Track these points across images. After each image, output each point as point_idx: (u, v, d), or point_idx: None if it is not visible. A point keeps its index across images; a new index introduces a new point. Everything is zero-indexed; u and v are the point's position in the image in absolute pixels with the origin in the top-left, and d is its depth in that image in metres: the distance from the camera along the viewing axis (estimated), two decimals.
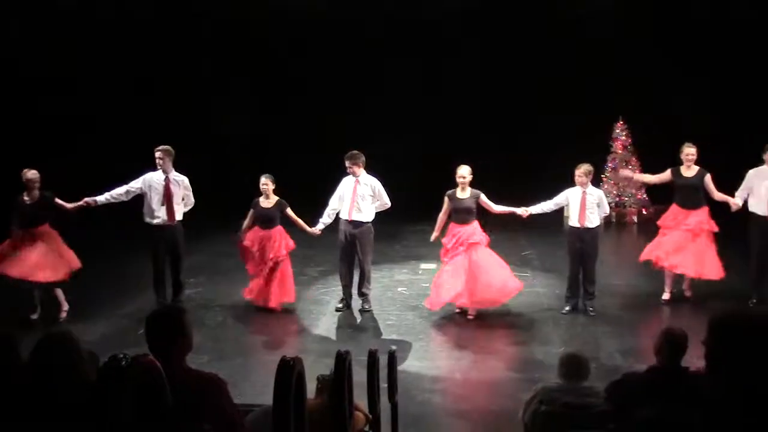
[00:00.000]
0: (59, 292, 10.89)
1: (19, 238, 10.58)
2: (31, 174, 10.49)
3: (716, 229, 11.05)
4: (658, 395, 4.79)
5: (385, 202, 11.15)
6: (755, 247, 11.06)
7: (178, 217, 11.02)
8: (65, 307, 10.93)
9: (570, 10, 18.32)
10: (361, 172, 11.01)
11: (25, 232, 10.57)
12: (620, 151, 17.86)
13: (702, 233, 11.03)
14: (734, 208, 10.97)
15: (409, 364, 9.27)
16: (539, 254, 14.39)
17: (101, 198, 10.93)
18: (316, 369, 5.92)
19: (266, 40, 19.48)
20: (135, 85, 18.80)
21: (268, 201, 11.03)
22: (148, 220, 10.95)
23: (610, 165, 17.87)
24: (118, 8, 18.55)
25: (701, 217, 11.03)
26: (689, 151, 10.98)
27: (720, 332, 3.03)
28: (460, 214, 10.74)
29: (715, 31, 17.57)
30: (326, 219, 11.20)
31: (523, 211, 10.99)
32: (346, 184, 11.10)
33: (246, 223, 11.15)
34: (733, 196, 10.98)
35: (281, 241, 11.01)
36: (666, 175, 11.30)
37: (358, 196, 10.97)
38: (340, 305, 11.32)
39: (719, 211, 11.19)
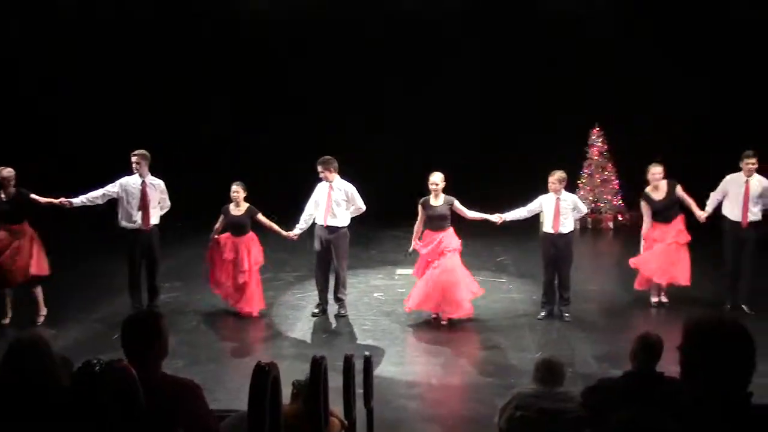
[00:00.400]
0: (39, 294, 10.76)
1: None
2: (6, 172, 10.39)
3: (689, 239, 11.22)
4: (633, 400, 4.80)
5: (360, 206, 11.14)
6: (729, 252, 11.24)
7: (155, 221, 10.99)
8: (43, 311, 10.79)
9: (544, 11, 18.36)
10: (335, 177, 11.00)
11: (3, 228, 10.48)
12: (596, 158, 17.96)
13: (680, 243, 11.23)
14: (701, 219, 11.20)
15: (385, 370, 9.25)
16: (514, 260, 14.43)
17: (77, 200, 10.85)
18: (291, 374, 5.89)
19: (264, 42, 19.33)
20: (124, 87, 18.63)
21: (238, 209, 10.97)
22: (124, 224, 10.89)
23: (586, 171, 17.96)
24: (118, 9, 18.49)
25: (679, 226, 11.25)
26: (656, 170, 11.23)
27: (694, 338, 3.03)
28: (435, 221, 10.74)
29: (708, 33, 17.62)
30: (303, 225, 11.18)
31: (497, 218, 10.99)
32: (320, 189, 11.08)
33: (216, 227, 11.10)
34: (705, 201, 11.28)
35: (256, 249, 11.01)
36: (644, 207, 11.41)
37: (333, 202, 10.95)
38: (316, 310, 11.28)
39: (694, 218, 11.29)
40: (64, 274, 11.35)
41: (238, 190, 10.93)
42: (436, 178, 10.65)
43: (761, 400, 3.03)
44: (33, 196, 10.58)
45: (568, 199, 10.97)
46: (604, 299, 12.06)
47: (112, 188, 10.87)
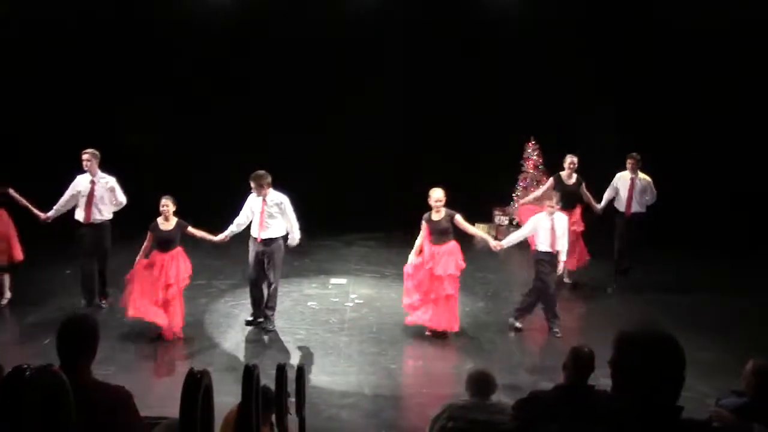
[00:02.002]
0: (5, 279, 11.33)
1: None
2: None
3: (583, 228, 13.16)
4: (563, 413, 4.85)
5: (289, 217, 10.95)
6: (616, 237, 13.27)
7: (105, 216, 11.45)
8: (7, 295, 11.36)
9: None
10: (268, 191, 10.78)
11: None
12: (531, 171, 18.05)
13: (574, 231, 12.75)
14: (596, 210, 13.26)
15: (318, 379, 9.24)
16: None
17: (52, 213, 11.42)
18: (224, 382, 5.86)
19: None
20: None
21: (167, 223, 10.55)
22: (77, 218, 11.43)
23: (521, 185, 18.04)
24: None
25: (575, 218, 12.95)
26: (572, 160, 12.98)
27: (625, 351, 3.07)
28: (437, 236, 10.71)
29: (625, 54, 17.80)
30: (234, 228, 10.95)
31: (495, 245, 11.16)
32: (253, 202, 10.89)
33: (145, 246, 10.59)
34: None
35: (184, 264, 10.61)
36: (549, 184, 13.11)
37: (266, 215, 10.80)
38: (250, 319, 11.13)
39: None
40: None
41: (167, 204, 10.53)
42: (439, 195, 10.63)
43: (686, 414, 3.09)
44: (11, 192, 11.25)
45: (562, 219, 11.10)
46: (539, 312, 12.10)
47: (71, 191, 11.41)
